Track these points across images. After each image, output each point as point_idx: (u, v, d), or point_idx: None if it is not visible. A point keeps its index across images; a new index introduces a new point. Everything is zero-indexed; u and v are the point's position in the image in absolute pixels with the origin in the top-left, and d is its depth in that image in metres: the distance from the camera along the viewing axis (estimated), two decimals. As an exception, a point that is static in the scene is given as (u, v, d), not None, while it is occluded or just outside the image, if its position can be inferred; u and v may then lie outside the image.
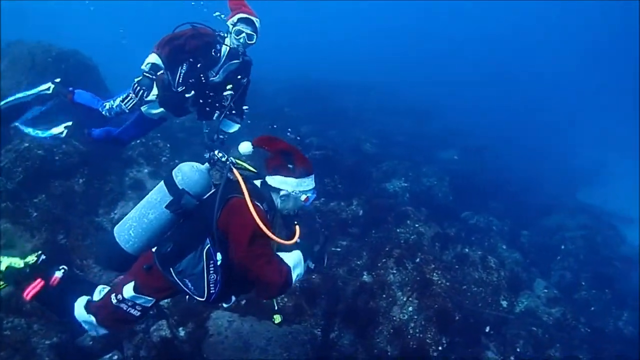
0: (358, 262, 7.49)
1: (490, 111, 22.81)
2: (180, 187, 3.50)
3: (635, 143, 24.02)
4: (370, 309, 6.57)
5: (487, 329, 7.28)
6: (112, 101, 5.86)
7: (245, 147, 3.53)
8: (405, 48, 40.60)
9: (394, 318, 6.46)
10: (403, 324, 6.41)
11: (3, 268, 3.85)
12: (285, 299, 6.41)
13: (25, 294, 3.76)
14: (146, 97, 5.41)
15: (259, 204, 3.31)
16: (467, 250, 8.41)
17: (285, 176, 3.53)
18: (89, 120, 6.01)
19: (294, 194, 3.55)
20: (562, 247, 11.07)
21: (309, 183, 3.60)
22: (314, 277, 6.74)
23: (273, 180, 3.56)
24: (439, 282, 6.84)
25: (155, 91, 5.61)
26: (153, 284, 3.52)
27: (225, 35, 5.59)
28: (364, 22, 52.94)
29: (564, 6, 42.51)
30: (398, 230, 8.47)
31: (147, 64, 5.26)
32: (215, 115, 5.89)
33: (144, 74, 5.24)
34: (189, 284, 3.38)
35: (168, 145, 9.01)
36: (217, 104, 5.80)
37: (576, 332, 8.01)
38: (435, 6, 47.52)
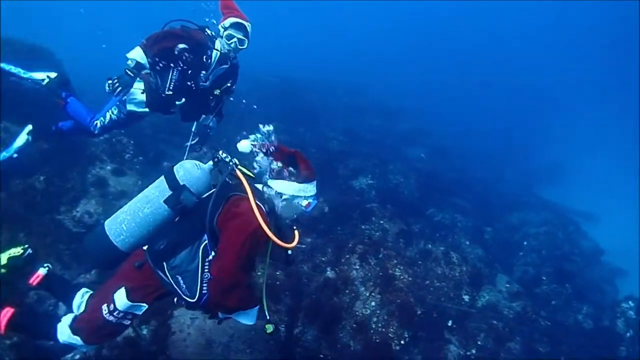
0: (323, 259, 7.52)
1: (458, 111, 23.14)
2: (181, 183, 3.48)
3: (595, 142, 24.69)
4: (334, 304, 6.60)
5: (450, 323, 7.38)
6: (102, 118, 5.76)
7: (244, 145, 3.49)
8: (375, 47, 40.82)
9: (357, 313, 6.51)
10: (366, 319, 6.45)
11: (4, 261, 3.82)
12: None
13: None
14: (123, 95, 5.31)
15: (261, 205, 3.28)
16: (430, 246, 8.52)
17: (287, 180, 3.47)
18: (53, 117, 5.93)
19: (296, 199, 3.49)
20: (525, 243, 11.31)
21: (311, 189, 3.52)
22: (278, 273, 6.75)
23: (275, 184, 3.48)
24: (402, 277, 6.92)
25: (140, 86, 5.55)
26: (143, 283, 3.40)
27: (215, 37, 5.56)
28: (337, 21, 53.02)
29: (536, 7, 43.23)
30: (363, 226, 8.54)
31: (132, 59, 5.15)
32: (202, 117, 5.89)
33: (126, 70, 5.12)
34: (182, 281, 3.31)
35: (132, 142, 8.90)
36: (203, 107, 5.79)
37: (537, 326, 8.18)
38: (410, 6, 47.79)
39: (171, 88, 5.50)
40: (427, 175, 12.71)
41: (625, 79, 40.57)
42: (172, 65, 5.43)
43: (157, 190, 3.52)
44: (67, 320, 3.60)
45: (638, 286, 11.87)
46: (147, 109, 5.71)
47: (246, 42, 5.51)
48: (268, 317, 3.64)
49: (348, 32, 47.46)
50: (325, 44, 40.94)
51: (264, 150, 3.47)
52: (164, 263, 3.33)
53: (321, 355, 6.12)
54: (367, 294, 6.63)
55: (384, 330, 6.39)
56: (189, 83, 5.52)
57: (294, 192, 3.46)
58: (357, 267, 6.92)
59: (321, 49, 37.18)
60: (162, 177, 3.59)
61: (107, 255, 3.50)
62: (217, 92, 5.74)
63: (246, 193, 3.24)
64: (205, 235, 3.28)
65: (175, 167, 3.58)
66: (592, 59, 43.82)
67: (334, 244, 7.83)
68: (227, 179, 3.51)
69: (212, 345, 5.56)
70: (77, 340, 3.50)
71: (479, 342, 7.25)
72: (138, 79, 5.46)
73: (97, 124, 5.74)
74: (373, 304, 6.58)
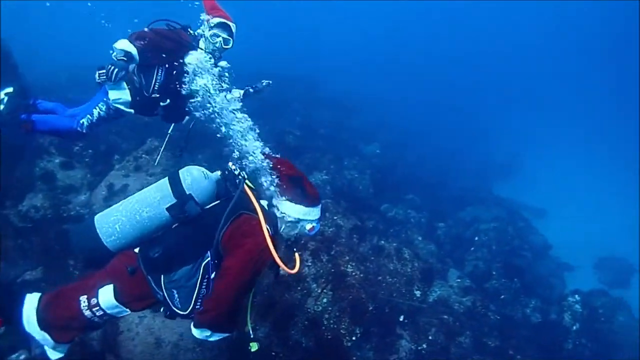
0: (275, 255, 7.45)
1: (414, 107, 23.36)
2: (188, 192, 3.31)
3: (546, 141, 25.37)
4: (286, 301, 6.54)
5: (402, 318, 7.43)
6: (89, 116, 5.43)
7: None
8: (331, 42, 40.81)
9: (309, 310, 6.46)
10: (318, 316, 6.42)
11: None
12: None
13: None
14: (118, 79, 5.13)
15: (269, 228, 3.18)
16: (383, 242, 8.55)
17: (296, 203, 3.36)
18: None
19: (301, 222, 3.40)
20: (476, 238, 11.49)
21: (316, 213, 3.45)
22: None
23: (283, 205, 3.39)
24: (354, 273, 6.91)
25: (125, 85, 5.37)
26: (134, 291, 3.23)
27: (199, 37, 5.45)
28: (301, 18, 52.82)
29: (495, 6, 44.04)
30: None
31: (120, 50, 4.94)
32: (186, 119, 5.76)
33: (118, 58, 4.94)
34: (176, 295, 3.18)
35: (82, 133, 8.65)
36: (187, 108, 5.65)
37: (486, 320, 8.33)
38: (372, 5, 48.08)
39: (156, 88, 5.35)
40: (382, 170, 12.80)
41: (578, 77, 41.92)
42: (157, 64, 5.30)
43: (159, 194, 3.34)
44: (32, 302, 3.30)
45: (584, 280, 12.26)
46: (132, 110, 5.54)
47: (231, 41, 5.44)
48: (252, 336, 3.51)
49: (310, 28, 47.29)
50: (289, 40, 40.79)
51: (270, 168, 3.41)
52: (162, 275, 3.18)
53: (273, 353, 6.06)
54: (319, 291, 6.60)
55: (335, 326, 6.38)
56: (173, 84, 5.38)
57: (301, 215, 3.38)
58: (309, 263, 6.86)
59: (284, 44, 36.99)
60: (166, 180, 3.41)
61: (93, 254, 3.31)
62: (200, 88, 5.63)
63: (255, 212, 3.18)
64: (209, 252, 3.18)
65: (181, 172, 3.41)
66: (546, 60, 45.02)
67: (286, 241, 7.76)
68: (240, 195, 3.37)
69: (161, 344, 5.45)
70: (45, 338, 3.22)
71: (430, 337, 7.30)
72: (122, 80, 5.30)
73: (83, 122, 5.40)
74: (325, 300, 6.55)
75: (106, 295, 3.19)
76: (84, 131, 5.42)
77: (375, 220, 9.93)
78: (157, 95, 5.38)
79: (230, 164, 3.55)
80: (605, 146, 26.76)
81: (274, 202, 3.43)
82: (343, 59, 32.86)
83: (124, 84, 5.35)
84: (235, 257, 3.07)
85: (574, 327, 9.31)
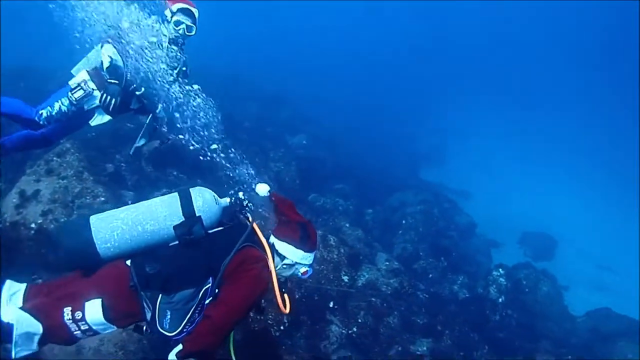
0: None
1: (340, 99, 23.48)
2: (197, 214, 3.23)
3: (468, 128, 26.23)
4: (210, 295, 6.43)
5: (331, 304, 7.44)
6: (49, 108, 5.07)
7: (263, 189, 3.44)
8: (255, 33, 40.44)
9: (234, 302, 6.37)
10: (242, 308, 6.33)
11: None
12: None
13: None
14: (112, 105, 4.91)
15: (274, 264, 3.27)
16: (307, 230, 8.52)
17: (295, 247, 3.34)
18: None
19: (297, 265, 3.39)
20: (404, 222, 11.67)
21: (311, 258, 3.45)
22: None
23: (281, 246, 3.35)
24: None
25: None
26: (124, 307, 3.07)
27: (162, 24, 5.27)
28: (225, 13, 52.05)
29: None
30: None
31: (108, 60, 4.85)
32: (160, 108, 5.54)
33: (108, 80, 4.86)
34: (169, 316, 3.05)
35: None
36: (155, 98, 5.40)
37: (415, 299, 8.46)
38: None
39: (128, 77, 5.11)
40: (309, 162, 12.78)
41: (494, 69, 43.48)
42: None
43: (167, 210, 3.22)
44: (9, 290, 3.07)
45: (511, 256, 12.69)
46: (110, 117, 5.31)
47: (194, 28, 5.31)
48: None
49: (240, 24, 46.77)
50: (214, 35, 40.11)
51: (275, 205, 3.44)
52: (160, 294, 3.06)
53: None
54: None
55: (262, 317, 6.29)
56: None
57: (299, 259, 3.37)
58: (231, 255, 6.76)
59: (209, 38, 36.32)
60: (175, 196, 3.30)
61: (80, 258, 3.10)
62: (171, 77, 5.45)
63: (260, 247, 3.23)
64: (211, 279, 3.11)
65: (193, 192, 3.31)
66: (467, 53, 46.37)
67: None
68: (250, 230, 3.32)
69: (82, 350, 5.20)
70: (38, 327, 2.97)
71: (360, 320, 7.35)
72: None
73: (42, 113, 5.05)
74: (249, 291, 6.46)
75: (94, 310, 3.02)
76: (40, 122, 5.08)
77: (303, 210, 9.88)
78: (133, 87, 5.18)
79: (240, 193, 3.52)
80: (525, 133, 27.92)
81: (274, 240, 3.40)
82: (272, 54, 32.65)
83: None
84: (236, 289, 3.06)
85: (500, 300, 9.61)
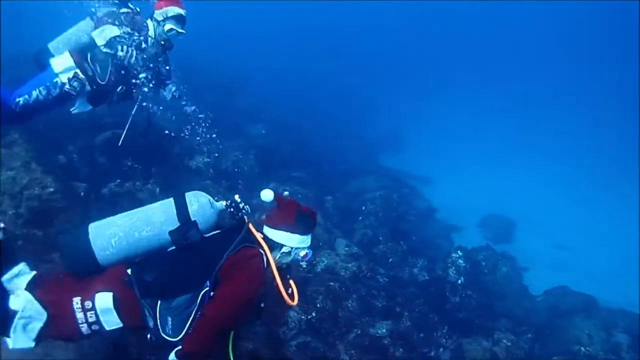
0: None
1: (299, 86, 23.32)
2: (193, 218, 3.29)
3: (423, 114, 26.51)
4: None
5: (290, 290, 7.33)
6: (27, 96, 5.04)
7: (268, 195, 3.41)
8: (210, 21, 39.88)
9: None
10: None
11: None
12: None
13: None
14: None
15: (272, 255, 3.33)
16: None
17: (291, 232, 3.43)
18: None
19: (295, 249, 3.48)
20: (363, 207, 11.65)
21: (309, 240, 3.54)
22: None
23: (276, 235, 3.43)
24: (232, 249, 6.73)
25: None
26: (130, 304, 3.08)
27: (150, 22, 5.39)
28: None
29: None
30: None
31: (109, 36, 5.13)
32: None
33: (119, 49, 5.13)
34: (170, 322, 3.09)
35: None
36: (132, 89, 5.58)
37: (374, 283, 8.44)
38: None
39: (113, 78, 5.32)
40: (268, 150, 12.63)
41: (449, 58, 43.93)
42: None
43: (163, 215, 3.27)
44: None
45: (471, 239, 12.81)
46: (90, 106, 5.41)
47: (183, 33, 5.48)
48: None
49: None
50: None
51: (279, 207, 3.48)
52: (158, 300, 3.10)
53: (147, 337, 5.80)
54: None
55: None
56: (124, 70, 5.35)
57: (296, 244, 3.46)
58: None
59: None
60: (171, 201, 3.36)
61: (81, 265, 3.15)
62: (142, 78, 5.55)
63: (257, 244, 3.29)
64: (208, 282, 3.14)
65: (188, 196, 3.38)
66: (425, 39, 46.68)
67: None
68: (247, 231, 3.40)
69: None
70: (43, 314, 2.98)
71: (318, 305, 7.28)
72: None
73: (19, 101, 5.01)
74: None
75: (104, 301, 3.03)
76: (17, 110, 5.05)
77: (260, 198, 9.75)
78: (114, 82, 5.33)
79: (236, 196, 3.58)
80: (483, 118, 28.31)
81: (268, 231, 3.45)
82: (228, 42, 32.23)
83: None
84: (229, 285, 3.09)
85: (459, 281, 9.65)
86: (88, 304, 3.02)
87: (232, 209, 3.53)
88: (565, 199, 19.78)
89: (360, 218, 11.28)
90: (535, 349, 8.42)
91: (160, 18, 5.38)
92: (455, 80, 36.32)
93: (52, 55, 5.39)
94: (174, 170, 9.78)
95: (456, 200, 16.76)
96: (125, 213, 3.33)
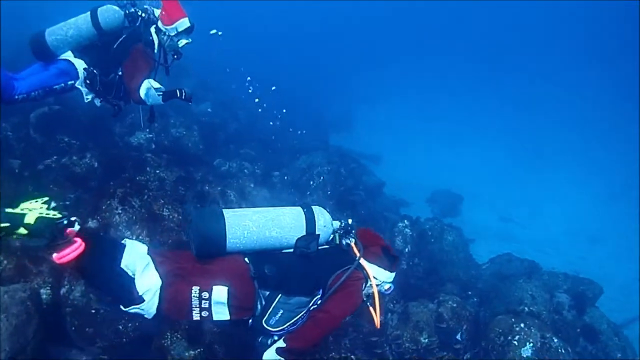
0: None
1: (246, 66, 23.04)
2: (317, 232, 3.66)
3: (374, 94, 26.70)
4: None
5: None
6: (25, 95, 5.17)
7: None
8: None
9: (125, 261, 6.04)
10: (136, 264, 6.03)
11: (32, 220, 2.81)
12: (5, 262, 5.58)
13: (59, 257, 2.87)
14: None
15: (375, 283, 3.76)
16: (207, 187, 8.26)
17: (384, 269, 3.83)
18: None
19: (383, 283, 3.86)
20: (311, 182, 11.60)
21: (394, 276, 3.92)
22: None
23: (370, 267, 3.78)
24: (171, 216, 6.57)
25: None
26: (245, 302, 3.35)
27: (147, 20, 5.54)
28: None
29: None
30: (138, 178, 7.97)
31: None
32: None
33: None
34: (279, 315, 3.42)
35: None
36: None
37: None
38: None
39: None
40: (213, 127, 12.45)
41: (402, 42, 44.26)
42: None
43: (293, 222, 3.61)
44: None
45: (419, 213, 12.93)
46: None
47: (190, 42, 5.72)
48: None
49: None
50: None
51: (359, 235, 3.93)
52: (279, 294, 3.41)
53: (92, 310, 5.63)
54: (134, 237, 6.18)
55: None
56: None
57: (385, 278, 3.86)
58: (120, 211, 6.37)
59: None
60: (300, 211, 3.71)
61: (209, 247, 3.39)
62: None
63: (361, 268, 3.72)
64: (320, 291, 3.53)
65: (315, 210, 3.75)
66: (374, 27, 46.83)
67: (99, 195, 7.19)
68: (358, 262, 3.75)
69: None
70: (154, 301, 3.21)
71: (263, 274, 7.21)
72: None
73: (18, 98, 5.13)
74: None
75: (221, 294, 3.26)
76: (17, 97, 5.13)
77: (204, 172, 9.59)
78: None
79: (349, 220, 3.98)
80: (430, 97, 28.73)
81: (364, 262, 3.78)
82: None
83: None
84: (340, 300, 3.51)
85: (407, 249, 9.74)
86: (205, 294, 3.25)
87: (341, 232, 3.89)
88: (509, 175, 20.30)
89: (308, 193, 11.22)
90: (480, 312, 8.59)
91: (172, 33, 5.53)
92: (406, 63, 36.67)
93: (49, 47, 5.38)
94: (113, 146, 9.50)
95: (405, 177, 17.06)
96: (257, 209, 3.65)
